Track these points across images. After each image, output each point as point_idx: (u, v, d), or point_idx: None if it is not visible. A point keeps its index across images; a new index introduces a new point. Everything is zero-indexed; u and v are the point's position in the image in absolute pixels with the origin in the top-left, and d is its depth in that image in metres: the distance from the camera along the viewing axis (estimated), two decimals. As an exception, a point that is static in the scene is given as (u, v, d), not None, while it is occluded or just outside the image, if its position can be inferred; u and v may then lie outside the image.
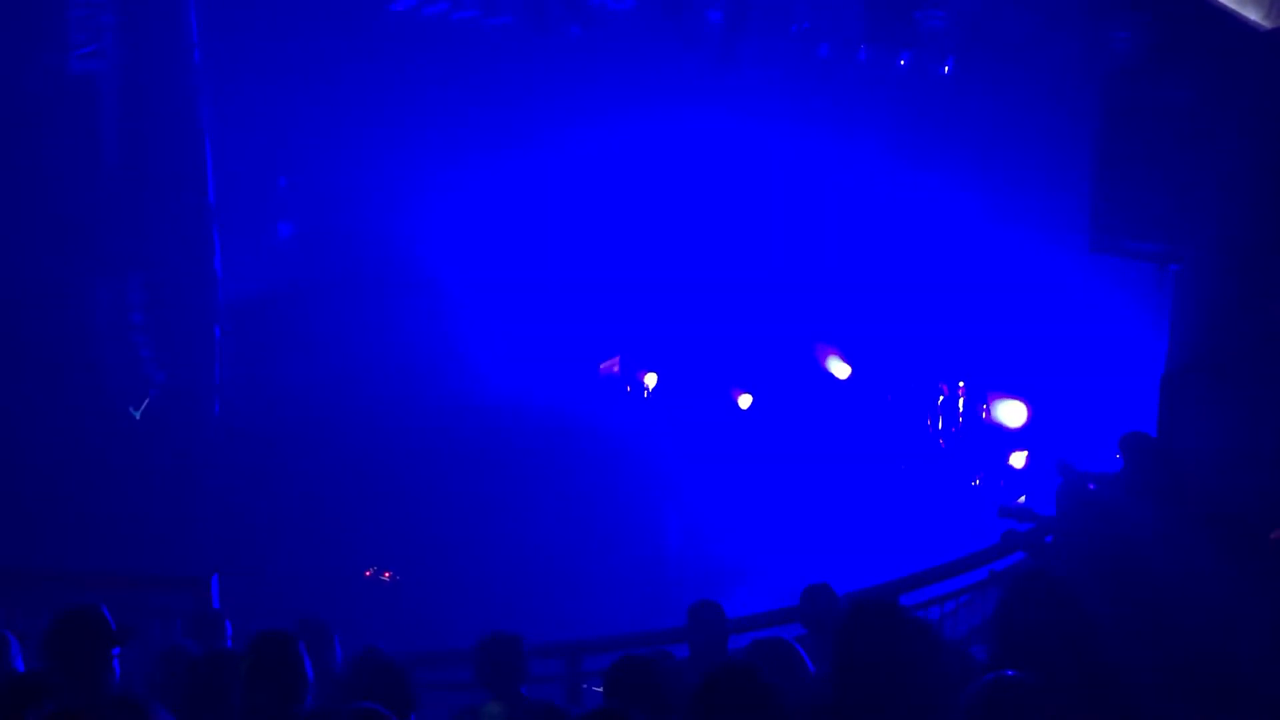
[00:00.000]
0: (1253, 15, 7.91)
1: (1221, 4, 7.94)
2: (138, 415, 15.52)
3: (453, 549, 14.60)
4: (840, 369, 18.43)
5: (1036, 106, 15.34)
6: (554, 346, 18.97)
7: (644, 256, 18.87)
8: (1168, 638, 5.52)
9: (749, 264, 18.58)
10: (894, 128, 16.88)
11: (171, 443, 15.39)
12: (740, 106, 17.76)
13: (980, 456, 16.94)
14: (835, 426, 17.85)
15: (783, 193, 18.07)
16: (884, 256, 17.53)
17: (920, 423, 17.65)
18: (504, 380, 18.36)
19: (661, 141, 18.09)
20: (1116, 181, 8.89)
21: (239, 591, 9.24)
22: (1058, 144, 14.82)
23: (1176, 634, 5.61)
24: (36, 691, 4.63)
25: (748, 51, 17.54)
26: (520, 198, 18.70)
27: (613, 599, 13.50)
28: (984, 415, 17.30)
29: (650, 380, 19.36)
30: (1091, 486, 8.30)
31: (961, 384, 17.50)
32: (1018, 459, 16.64)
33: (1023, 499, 14.77)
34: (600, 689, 5.34)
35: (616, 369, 19.30)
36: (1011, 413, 16.98)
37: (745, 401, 18.70)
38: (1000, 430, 16.99)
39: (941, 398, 17.64)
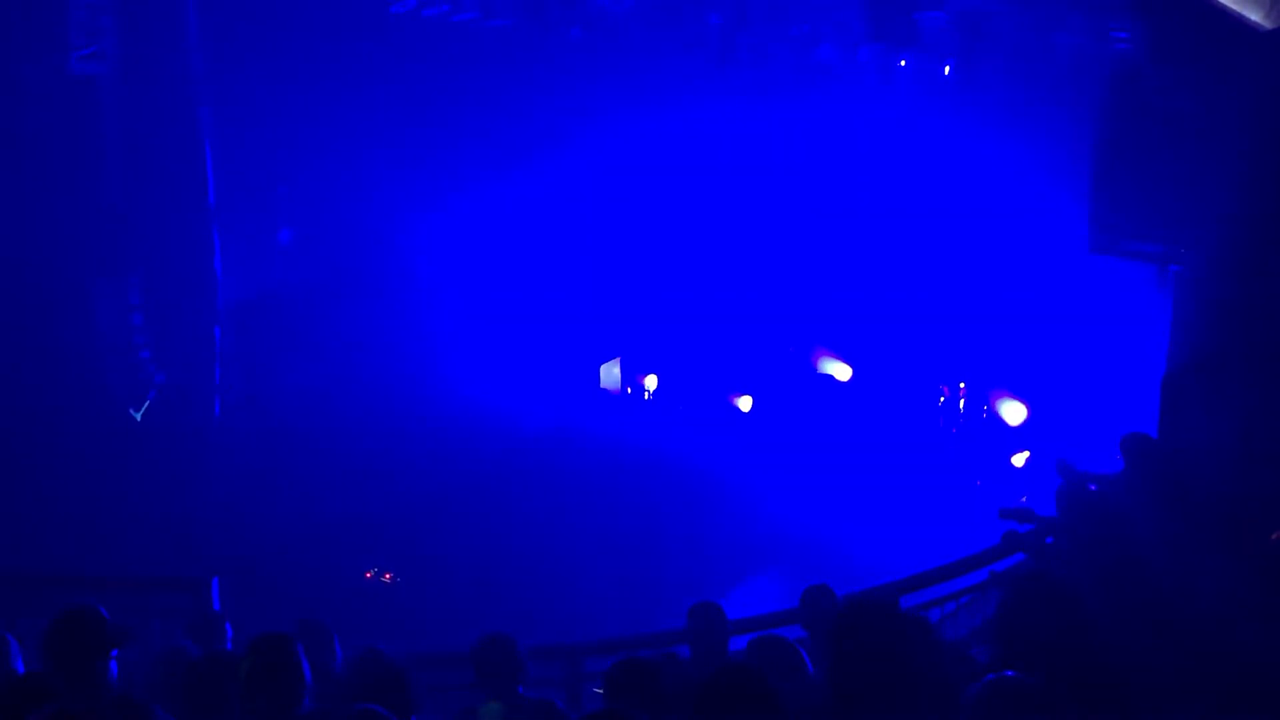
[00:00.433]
0: (1253, 16, 7.90)
1: (1222, 5, 7.93)
2: (138, 416, 15.52)
3: (453, 550, 14.59)
4: (841, 371, 18.42)
5: (1036, 107, 15.33)
6: (554, 348, 18.98)
7: (644, 259, 18.87)
8: (1168, 639, 5.51)
9: (749, 266, 18.58)
10: (895, 129, 16.87)
11: (172, 444, 15.40)
12: (740, 108, 17.74)
13: (981, 457, 16.93)
14: (836, 428, 17.84)
15: (783, 194, 18.06)
16: (884, 258, 17.52)
17: (921, 424, 17.64)
18: (504, 382, 18.37)
19: (661, 143, 18.08)
20: (1117, 182, 8.89)
21: (239, 593, 9.23)
22: (1058, 145, 14.81)
23: (1177, 635, 5.60)
24: (36, 693, 4.63)
25: (748, 53, 17.54)
26: (519, 200, 18.71)
27: (613, 600, 13.49)
28: (985, 416, 17.29)
29: (650, 382, 19.37)
30: (1092, 487, 8.30)
31: (962, 385, 17.49)
32: (1018, 460, 16.63)
33: (1023, 499, 14.76)
34: (601, 691, 5.34)
35: (618, 388, 19.32)
36: (1012, 413, 16.98)
37: (745, 403, 18.69)
38: (1002, 430, 16.98)
39: (943, 399, 17.64)
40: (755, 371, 18.76)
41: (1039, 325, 16.14)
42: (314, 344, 17.39)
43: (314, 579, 13.17)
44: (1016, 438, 16.82)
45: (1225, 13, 7.94)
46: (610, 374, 19.42)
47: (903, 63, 16.38)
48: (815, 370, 18.54)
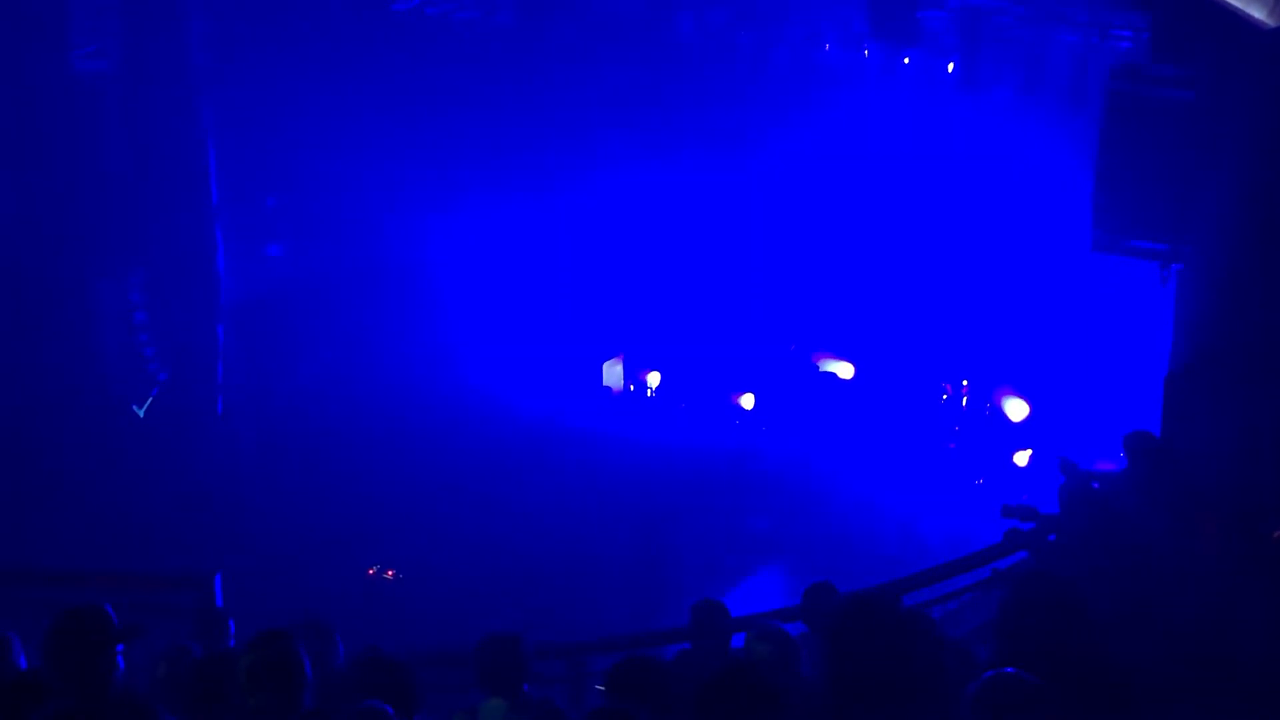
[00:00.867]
0: (1256, 13, 7.89)
1: (1225, 2, 7.92)
2: (141, 414, 15.54)
3: (454, 548, 14.60)
4: (843, 369, 18.42)
5: (1039, 105, 15.33)
6: (557, 346, 18.99)
7: (646, 257, 18.89)
8: (1171, 637, 5.52)
9: (752, 264, 18.59)
10: (898, 127, 16.87)
11: (175, 441, 15.41)
12: (744, 107, 17.75)
13: (984, 455, 16.94)
14: (838, 425, 17.85)
15: (786, 192, 18.07)
16: (887, 256, 17.54)
17: (924, 422, 17.65)
18: (507, 380, 18.38)
19: (664, 142, 18.09)
20: (1119, 180, 8.87)
21: (242, 590, 9.24)
22: (1060, 142, 14.81)
23: (1179, 633, 5.60)
24: (39, 691, 4.64)
25: (750, 51, 17.53)
26: (522, 199, 18.72)
27: (615, 598, 13.50)
28: (988, 413, 17.29)
29: (653, 380, 19.37)
30: (1095, 485, 8.29)
31: (965, 383, 17.49)
32: (1021, 458, 16.63)
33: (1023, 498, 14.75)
34: (603, 689, 5.34)
35: (620, 385, 19.32)
36: (1015, 410, 16.98)
37: (748, 401, 18.69)
38: (1004, 427, 16.98)
39: (945, 396, 17.63)
40: (758, 369, 18.77)
41: (1041, 323, 16.15)
42: (316, 343, 17.41)
43: (316, 576, 13.18)
44: (1019, 435, 16.83)
45: (1228, 10, 7.93)
46: (613, 372, 19.43)
47: (906, 60, 16.38)
48: (818, 368, 18.54)
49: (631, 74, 18.02)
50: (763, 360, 18.77)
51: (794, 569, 14.23)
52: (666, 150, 18.12)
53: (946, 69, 16.03)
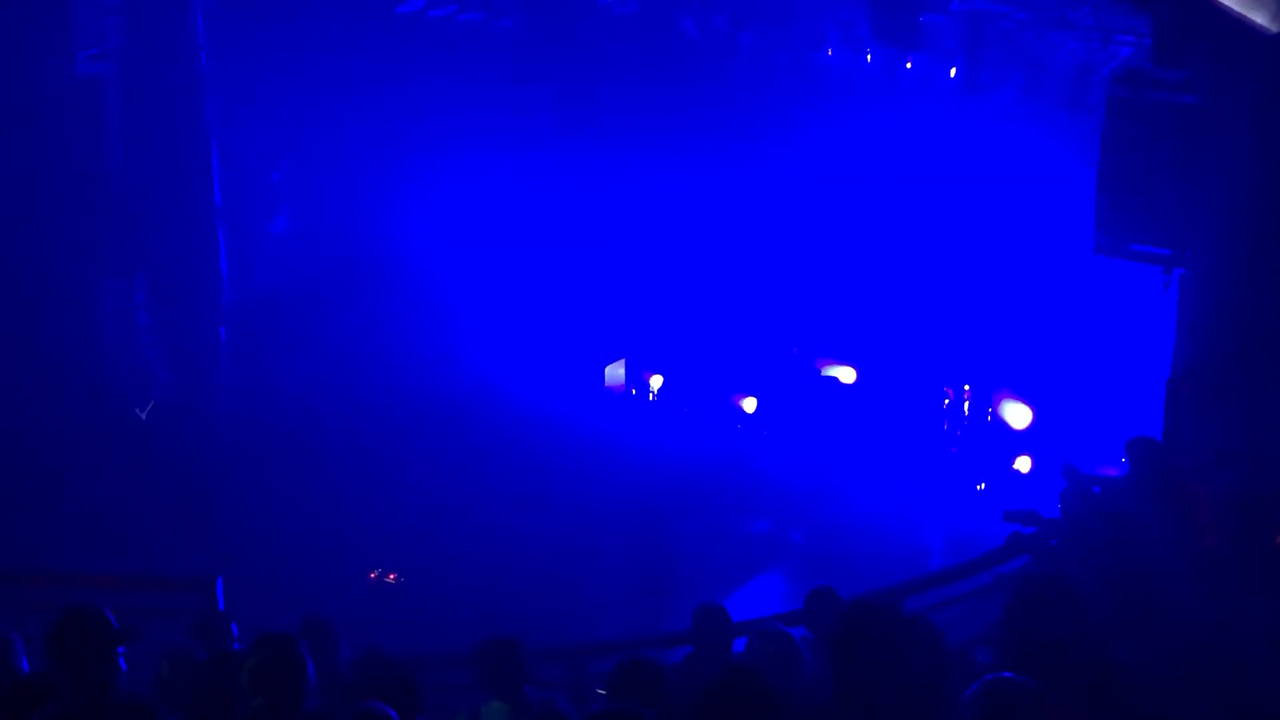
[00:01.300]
0: (1258, 18, 7.90)
1: (1227, 7, 7.93)
2: (144, 416, 15.55)
3: (457, 550, 14.60)
4: (845, 373, 18.42)
5: (1041, 109, 15.33)
6: (559, 349, 18.99)
7: (648, 259, 18.89)
8: (1172, 641, 5.51)
9: (755, 267, 18.59)
10: (900, 130, 16.88)
11: (177, 443, 15.42)
12: (745, 110, 17.76)
13: (986, 460, 16.93)
14: (840, 430, 17.84)
15: (788, 195, 18.07)
16: (889, 260, 17.53)
17: (925, 427, 17.64)
18: (509, 383, 18.38)
19: (666, 145, 18.10)
20: (1121, 184, 8.86)
21: (243, 592, 9.25)
22: (1063, 146, 14.81)
23: (1181, 637, 5.60)
24: (41, 692, 4.64)
25: (752, 54, 17.54)
26: (524, 201, 18.73)
27: (617, 601, 13.50)
28: (990, 418, 17.28)
29: (655, 382, 19.38)
30: (1096, 490, 8.30)
31: (967, 387, 17.48)
32: (1023, 463, 16.63)
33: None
34: (604, 691, 5.35)
35: (622, 387, 19.32)
36: (1017, 415, 16.97)
37: (750, 404, 18.69)
38: (1006, 434, 16.97)
39: (947, 401, 17.63)
40: (760, 373, 18.77)
41: (1044, 327, 16.14)
42: (318, 344, 17.40)
43: (319, 578, 13.18)
44: (1021, 440, 16.82)
45: (1230, 15, 7.94)
46: (615, 374, 19.44)
47: (909, 65, 16.39)
48: (820, 372, 18.54)
49: (634, 77, 18.03)
50: (765, 364, 18.77)
51: (795, 573, 14.23)
52: (669, 152, 18.13)
53: (949, 73, 16.05)
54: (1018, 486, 16.01)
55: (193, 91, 15.80)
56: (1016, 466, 16.63)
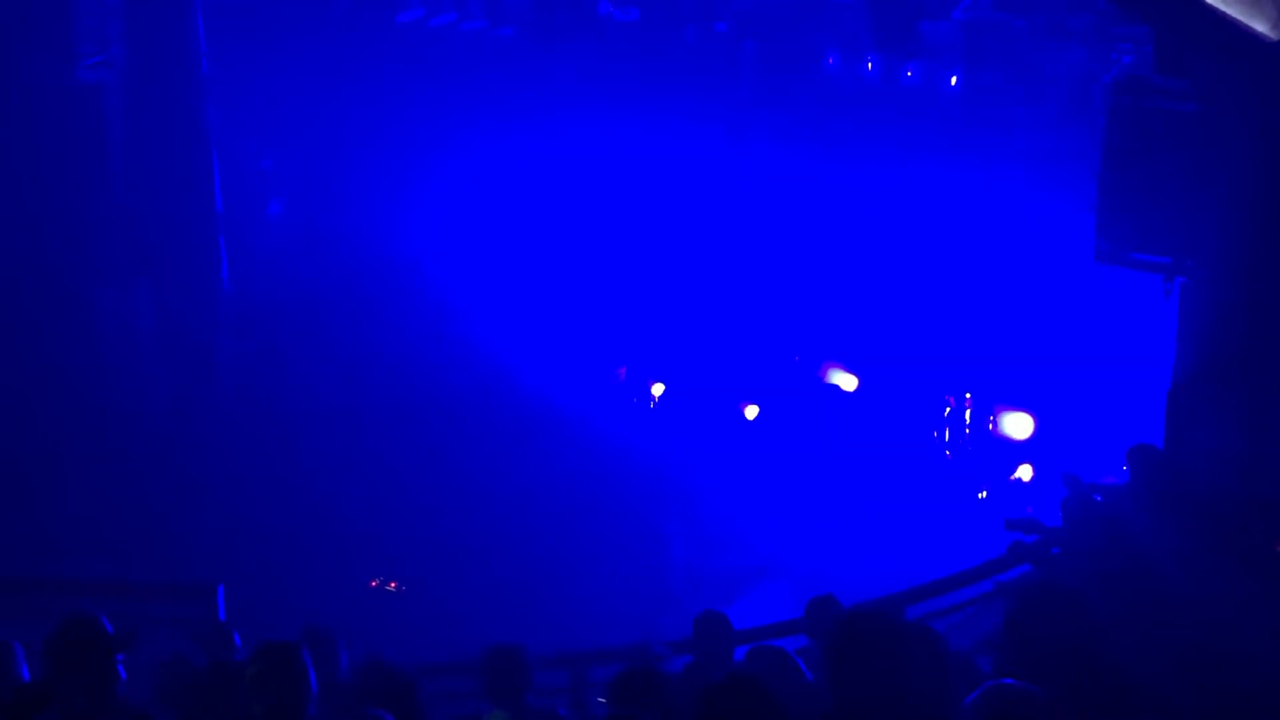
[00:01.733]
0: (1259, 26, 7.90)
1: (1228, 15, 7.93)
2: (146, 422, 15.56)
3: (459, 558, 14.59)
4: (847, 381, 18.40)
5: (1042, 117, 15.34)
6: (562, 356, 18.97)
7: (652, 267, 18.89)
8: (1174, 649, 5.51)
9: (757, 275, 18.58)
10: (901, 139, 16.89)
11: (177, 450, 15.41)
12: (747, 118, 17.76)
13: (987, 469, 16.91)
14: (842, 438, 17.82)
15: (790, 204, 18.08)
16: (891, 268, 17.52)
17: (927, 435, 17.63)
18: (511, 391, 18.36)
19: (669, 153, 18.10)
20: (1122, 192, 8.86)
21: (244, 599, 9.23)
22: (1064, 154, 14.82)
23: (1183, 645, 5.59)
24: (41, 699, 4.65)
25: (754, 63, 17.56)
26: (526, 209, 18.74)
27: (618, 609, 13.48)
28: (991, 427, 17.27)
29: (657, 390, 19.36)
30: (1098, 498, 8.29)
31: (968, 396, 17.47)
32: (1024, 471, 16.61)
33: (1029, 509, 14.74)
34: (605, 699, 5.35)
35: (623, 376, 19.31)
36: (1018, 425, 16.95)
37: (752, 412, 18.67)
38: (1007, 442, 16.96)
39: (948, 410, 17.62)
40: (762, 381, 18.75)
41: (1045, 336, 16.13)
42: (320, 354, 17.40)
43: (320, 586, 13.17)
44: (1022, 449, 16.80)
45: (1231, 23, 7.94)
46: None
47: (909, 74, 16.41)
48: (822, 380, 18.52)
49: (635, 85, 18.05)
50: (767, 372, 18.75)
51: (796, 581, 14.21)
52: (670, 160, 18.13)
53: (950, 81, 16.06)
54: (1019, 495, 15.99)
55: (194, 99, 15.82)
56: (1018, 475, 16.61)
